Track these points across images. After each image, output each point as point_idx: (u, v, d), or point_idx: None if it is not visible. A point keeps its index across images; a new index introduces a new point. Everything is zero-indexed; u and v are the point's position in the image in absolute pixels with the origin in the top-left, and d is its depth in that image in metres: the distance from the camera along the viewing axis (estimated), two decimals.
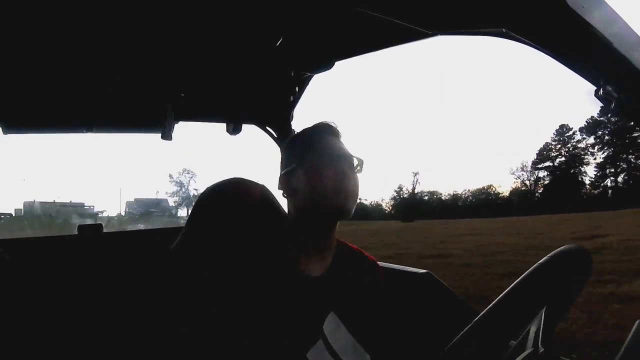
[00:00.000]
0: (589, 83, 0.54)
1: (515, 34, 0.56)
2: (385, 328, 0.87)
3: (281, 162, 0.87)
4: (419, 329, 1.17)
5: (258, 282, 0.75)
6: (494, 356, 0.54)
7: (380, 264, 1.19)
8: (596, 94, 0.53)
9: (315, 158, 0.79)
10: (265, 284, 0.75)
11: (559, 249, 0.59)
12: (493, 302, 0.53)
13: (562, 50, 0.54)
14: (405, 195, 46.91)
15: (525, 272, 0.54)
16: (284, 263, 0.79)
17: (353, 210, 0.80)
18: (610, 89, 0.52)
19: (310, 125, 0.88)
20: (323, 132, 0.84)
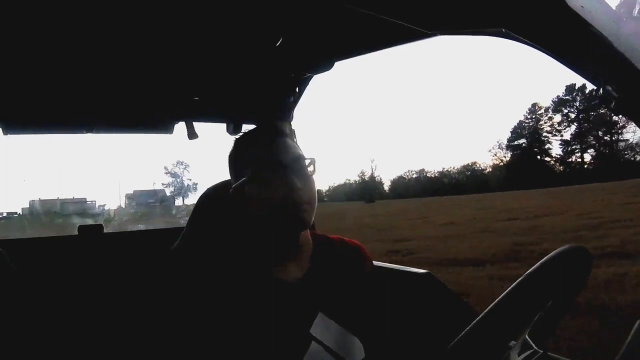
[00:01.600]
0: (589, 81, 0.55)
1: (515, 34, 0.56)
2: (378, 317, 0.84)
3: (230, 173, 0.81)
4: (418, 329, 1.17)
5: (242, 286, 0.74)
6: (494, 356, 0.54)
7: (381, 264, 1.19)
8: (596, 93, 0.53)
9: (261, 170, 0.72)
10: (245, 291, 0.73)
11: (558, 249, 0.59)
12: (493, 303, 0.53)
13: (562, 50, 0.54)
14: (366, 179, 49.22)
15: (525, 273, 0.54)
16: (259, 270, 0.76)
17: (312, 219, 0.74)
18: (610, 88, 0.51)
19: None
20: (268, 135, 0.76)
